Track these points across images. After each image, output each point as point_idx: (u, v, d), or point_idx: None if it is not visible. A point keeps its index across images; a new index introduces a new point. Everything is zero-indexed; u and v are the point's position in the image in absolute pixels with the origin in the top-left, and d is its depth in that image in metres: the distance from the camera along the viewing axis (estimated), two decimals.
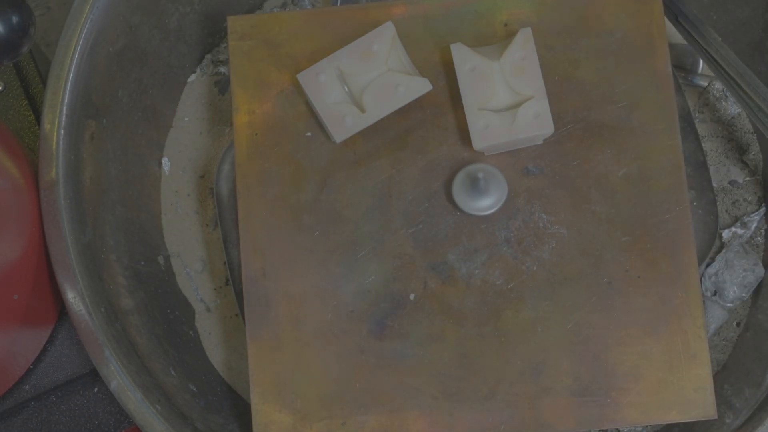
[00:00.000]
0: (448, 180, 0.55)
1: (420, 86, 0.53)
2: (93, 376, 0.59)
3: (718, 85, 0.65)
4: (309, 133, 0.55)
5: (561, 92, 0.55)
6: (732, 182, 0.64)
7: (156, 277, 0.62)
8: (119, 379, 0.53)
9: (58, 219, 0.53)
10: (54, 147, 0.54)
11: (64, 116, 0.54)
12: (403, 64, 0.54)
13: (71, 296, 0.53)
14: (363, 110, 0.53)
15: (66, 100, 0.54)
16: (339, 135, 0.54)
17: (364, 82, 0.54)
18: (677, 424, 0.60)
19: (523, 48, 0.53)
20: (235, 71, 0.56)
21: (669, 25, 0.61)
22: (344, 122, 0.53)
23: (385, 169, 0.55)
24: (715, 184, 0.64)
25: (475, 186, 0.53)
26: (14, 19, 0.44)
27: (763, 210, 0.64)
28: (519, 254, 0.54)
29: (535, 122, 0.52)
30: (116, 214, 0.59)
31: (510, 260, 0.54)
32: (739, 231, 0.63)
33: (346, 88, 0.54)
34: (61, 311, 0.58)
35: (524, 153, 0.55)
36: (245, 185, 0.55)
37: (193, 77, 0.68)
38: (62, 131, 0.54)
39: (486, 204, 0.54)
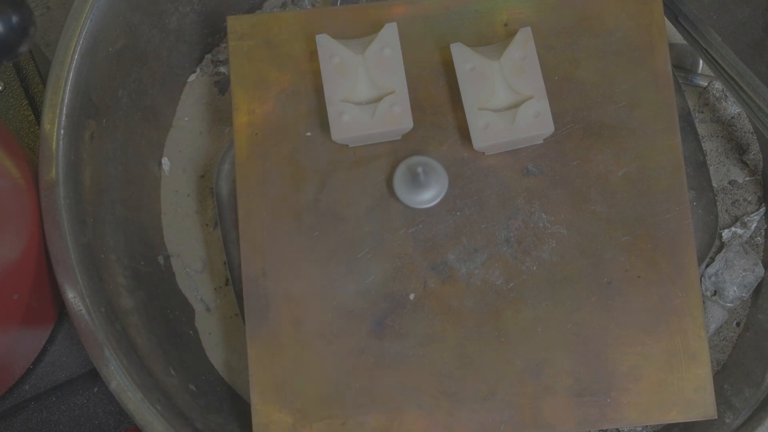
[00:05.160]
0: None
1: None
2: (93, 376, 0.59)
3: (718, 85, 0.65)
4: (309, 133, 0.55)
5: (561, 92, 0.55)
6: (732, 182, 0.64)
7: (156, 277, 0.62)
8: (119, 379, 0.53)
9: (58, 219, 0.53)
10: (54, 147, 0.54)
11: (64, 116, 0.54)
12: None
13: (71, 296, 0.53)
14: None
15: (66, 100, 0.54)
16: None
17: (369, 90, 0.54)
18: (677, 424, 0.60)
19: (523, 48, 0.53)
20: (235, 71, 0.56)
21: (669, 25, 0.61)
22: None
23: (385, 169, 0.55)
24: (715, 184, 0.64)
25: (414, 179, 0.53)
26: (14, 19, 0.44)
27: (763, 210, 0.64)
28: (519, 254, 0.54)
29: (535, 122, 0.52)
30: (116, 214, 0.59)
31: (510, 260, 0.54)
32: (739, 231, 0.63)
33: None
34: (61, 311, 0.58)
35: (524, 153, 0.55)
36: (245, 185, 0.55)
37: (193, 77, 0.68)
38: (62, 131, 0.54)
39: (427, 197, 0.54)
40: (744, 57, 0.61)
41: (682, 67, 0.66)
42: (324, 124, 0.55)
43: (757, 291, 0.63)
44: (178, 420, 0.54)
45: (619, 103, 0.55)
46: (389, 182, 0.55)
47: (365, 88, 0.53)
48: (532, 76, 0.53)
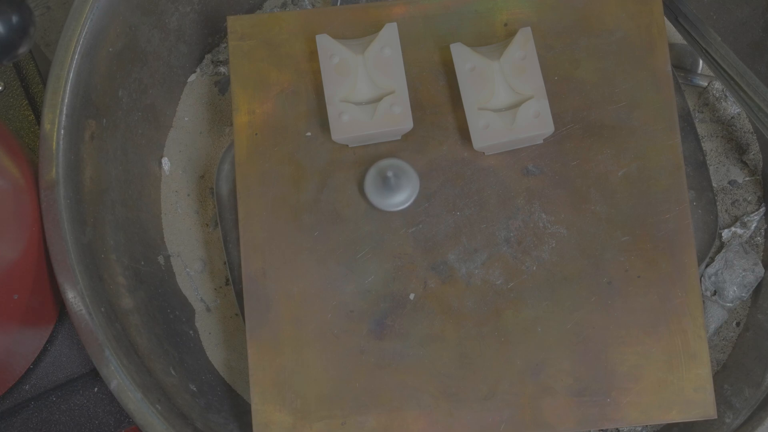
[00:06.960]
0: (445, 180, 0.55)
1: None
2: (93, 376, 0.59)
3: (718, 85, 0.65)
4: (309, 133, 0.56)
5: (561, 92, 0.55)
6: (732, 182, 0.64)
7: (156, 277, 0.62)
8: (119, 379, 0.53)
9: (58, 219, 0.53)
10: (54, 147, 0.54)
11: (64, 116, 0.54)
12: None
13: (71, 296, 0.53)
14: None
15: (66, 100, 0.54)
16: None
17: (369, 90, 0.54)
18: (677, 424, 0.60)
19: (523, 48, 0.53)
20: (235, 71, 0.56)
21: (669, 25, 0.61)
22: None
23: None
24: (715, 184, 0.64)
25: (385, 183, 0.53)
26: (14, 19, 0.44)
27: (762, 210, 0.64)
28: (519, 254, 0.54)
29: (535, 122, 0.52)
30: (116, 214, 0.59)
31: (510, 260, 0.54)
32: (739, 231, 0.63)
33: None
34: (61, 311, 0.58)
35: (524, 153, 0.55)
36: (245, 185, 0.55)
37: (193, 77, 0.68)
38: (62, 131, 0.54)
39: (398, 200, 0.54)
40: (744, 57, 0.61)
41: (682, 67, 0.66)
42: (324, 124, 0.55)
43: (757, 291, 0.63)
44: (178, 420, 0.54)
45: (619, 103, 0.55)
46: (360, 187, 0.54)
47: (365, 88, 0.53)
48: (532, 76, 0.53)
